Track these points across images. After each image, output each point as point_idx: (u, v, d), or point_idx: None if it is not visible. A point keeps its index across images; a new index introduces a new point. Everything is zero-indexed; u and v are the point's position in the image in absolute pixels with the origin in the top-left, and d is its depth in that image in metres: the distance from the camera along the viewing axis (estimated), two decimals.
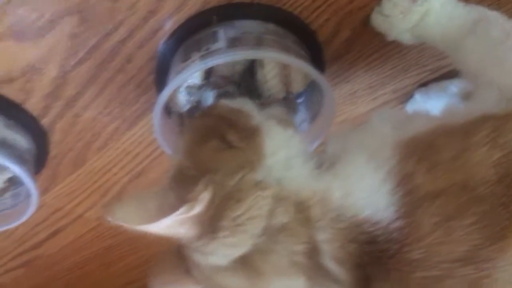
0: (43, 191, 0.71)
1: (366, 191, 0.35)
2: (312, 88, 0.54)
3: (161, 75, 0.53)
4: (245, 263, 0.36)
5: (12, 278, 0.94)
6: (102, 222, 0.81)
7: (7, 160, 0.51)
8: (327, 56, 0.54)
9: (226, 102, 0.46)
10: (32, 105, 0.57)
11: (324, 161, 0.39)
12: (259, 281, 0.36)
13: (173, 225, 0.36)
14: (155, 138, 0.65)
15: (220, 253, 0.37)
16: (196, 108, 0.52)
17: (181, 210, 0.35)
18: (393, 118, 0.42)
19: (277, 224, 0.36)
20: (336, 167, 0.38)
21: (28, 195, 0.59)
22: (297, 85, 0.52)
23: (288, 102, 0.53)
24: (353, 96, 0.61)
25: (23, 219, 0.61)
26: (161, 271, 0.43)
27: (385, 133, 0.39)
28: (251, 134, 0.40)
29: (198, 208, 0.35)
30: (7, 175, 0.58)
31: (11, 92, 0.55)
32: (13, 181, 0.62)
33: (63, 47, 0.50)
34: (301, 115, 0.55)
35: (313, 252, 0.35)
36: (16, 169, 0.52)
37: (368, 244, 0.34)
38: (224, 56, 0.44)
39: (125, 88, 0.56)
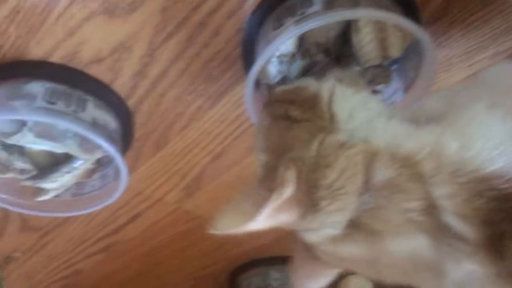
0: None
1: (492, 142, 0.31)
2: (407, 54, 0.51)
3: (248, 47, 0.52)
4: (357, 226, 0.34)
5: (92, 264, 0.96)
6: (180, 206, 0.81)
7: (100, 139, 0.52)
8: (423, 19, 0.51)
9: (280, 87, 0.45)
10: (120, 86, 0.57)
11: (419, 116, 0.37)
12: (377, 240, 0.34)
13: (272, 214, 0.35)
14: (236, 116, 0.64)
15: (328, 223, 0.35)
16: (285, 80, 0.50)
17: (273, 197, 0.34)
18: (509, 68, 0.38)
19: (380, 180, 0.33)
20: (446, 119, 0.35)
21: (116, 176, 0.59)
22: (394, 50, 0.49)
23: (383, 69, 0.50)
24: (448, 63, 0.57)
25: (112, 199, 0.62)
26: (297, 264, 0.42)
27: (507, 81, 0.35)
28: (313, 103, 0.39)
29: (288, 189, 0.34)
30: (97, 156, 0.59)
31: (100, 72, 0.55)
32: (101, 163, 0.63)
33: (153, 22, 0.50)
34: (394, 84, 0.52)
35: (431, 209, 0.32)
36: (109, 148, 0.53)
37: (500, 201, 0.31)
38: (322, 18, 0.42)
39: (211, 63, 0.55)
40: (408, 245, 0.34)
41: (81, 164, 0.58)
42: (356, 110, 0.38)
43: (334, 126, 0.37)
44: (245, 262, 1.01)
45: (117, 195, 0.61)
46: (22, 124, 0.52)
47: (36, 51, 0.52)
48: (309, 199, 0.35)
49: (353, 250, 0.35)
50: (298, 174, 0.35)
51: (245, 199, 0.37)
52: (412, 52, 0.49)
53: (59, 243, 0.87)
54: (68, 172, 0.58)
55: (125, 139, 0.63)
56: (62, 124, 0.50)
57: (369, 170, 0.34)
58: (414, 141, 0.34)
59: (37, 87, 0.52)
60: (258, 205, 0.34)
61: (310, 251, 0.38)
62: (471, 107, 0.34)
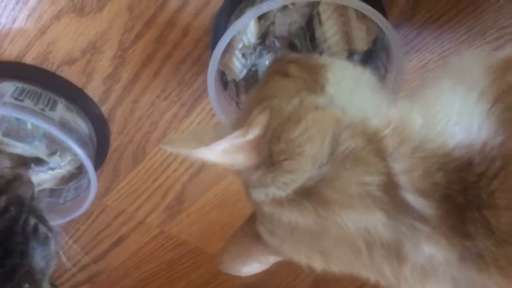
0: (105, 192, 0.70)
1: (455, 117, 0.31)
2: (376, 51, 0.50)
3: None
4: (310, 193, 0.32)
5: None
6: (163, 229, 0.79)
7: (67, 138, 0.51)
8: (391, 21, 0.50)
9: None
10: (93, 90, 0.57)
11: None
12: (328, 212, 0.32)
13: (229, 150, 0.34)
14: (214, 125, 0.63)
15: (280, 180, 0.33)
16: (252, 75, 0.50)
17: (237, 133, 0.33)
18: (478, 52, 0.38)
19: (344, 151, 0.32)
20: (415, 97, 0.34)
21: (89, 185, 0.58)
22: (360, 44, 0.48)
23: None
24: (424, 69, 0.56)
25: (83, 208, 0.60)
26: (232, 242, 0.40)
27: (471, 60, 0.34)
28: (314, 67, 0.38)
29: (254, 131, 0.33)
30: (66, 159, 0.57)
31: (73, 75, 0.55)
32: (81, 171, 0.62)
33: (121, 21, 0.51)
34: None
35: (390, 186, 0.31)
36: (76, 149, 0.52)
37: (459, 171, 0.29)
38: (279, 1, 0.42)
39: (182, 65, 0.55)
40: (363, 220, 0.32)
41: (65, 164, 0.57)
42: (346, 78, 0.37)
43: (320, 89, 0.36)
44: None
45: (88, 203, 0.59)
46: None
47: (10, 51, 0.53)
48: (268, 150, 0.34)
49: (298, 218, 0.33)
50: (269, 121, 0.34)
51: (211, 132, 0.36)
52: (381, 49, 0.49)
53: None
54: (51, 169, 0.57)
55: (101, 149, 0.62)
56: (26, 118, 0.49)
57: (336, 140, 0.33)
58: (383, 115, 0.33)
59: (8, 86, 0.52)
60: (220, 136, 0.33)
61: (252, 228, 0.36)
62: (438, 85, 0.34)
